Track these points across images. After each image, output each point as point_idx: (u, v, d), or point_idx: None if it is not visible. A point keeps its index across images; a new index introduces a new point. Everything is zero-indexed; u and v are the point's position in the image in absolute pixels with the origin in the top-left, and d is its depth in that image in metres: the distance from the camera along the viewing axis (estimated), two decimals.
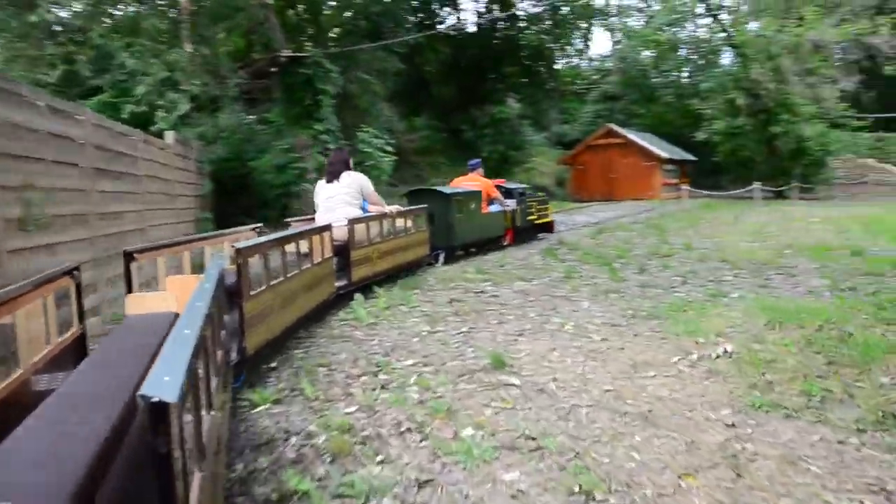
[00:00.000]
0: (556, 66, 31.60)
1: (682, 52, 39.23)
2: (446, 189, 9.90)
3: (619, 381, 3.84)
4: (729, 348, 4.24)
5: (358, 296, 6.29)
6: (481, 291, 6.96)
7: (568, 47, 33.13)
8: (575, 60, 38.24)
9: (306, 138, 14.24)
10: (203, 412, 1.71)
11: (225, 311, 3.24)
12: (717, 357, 4.17)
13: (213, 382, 2.09)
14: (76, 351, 2.97)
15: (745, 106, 24.83)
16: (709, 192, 25.64)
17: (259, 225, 6.07)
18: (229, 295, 3.60)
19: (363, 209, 7.18)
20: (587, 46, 36.65)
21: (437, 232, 8.94)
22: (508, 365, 4.16)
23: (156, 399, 1.17)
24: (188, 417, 1.44)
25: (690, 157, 30.93)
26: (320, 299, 5.38)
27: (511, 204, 11.42)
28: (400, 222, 7.63)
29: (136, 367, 2.14)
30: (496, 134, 25.96)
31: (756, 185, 23.56)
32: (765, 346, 4.29)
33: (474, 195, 10.02)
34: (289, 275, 4.55)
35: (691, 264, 9.03)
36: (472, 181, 10.77)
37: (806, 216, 17.21)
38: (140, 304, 3.31)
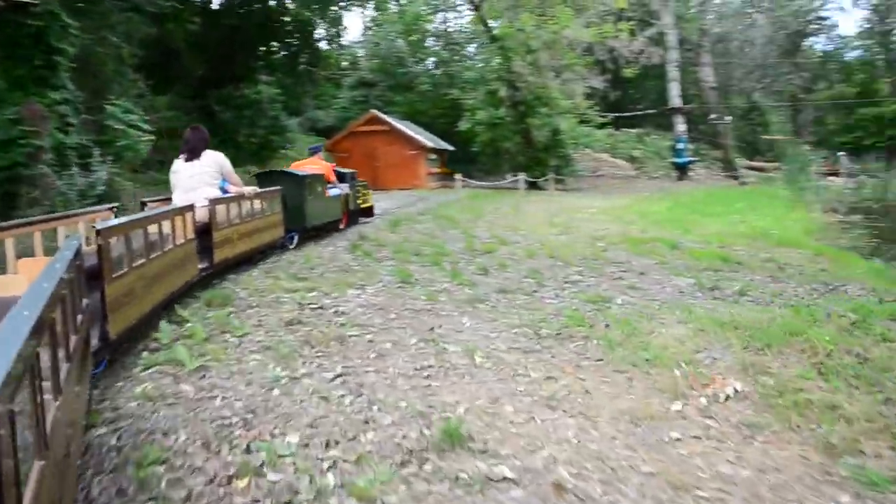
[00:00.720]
0: (318, 46, 29.82)
1: (437, 42, 39.72)
2: (299, 171, 9.84)
3: (646, 455, 2.65)
4: (738, 387, 3.22)
5: (163, 325, 4.44)
6: (319, 307, 5.40)
7: (329, 28, 31.54)
8: (332, 45, 36.63)
9: (40, 108, 10.99)
10: (47, 400, 1.69)
11: (84, 295, 3.17)
12: (728, 399, 3.13)
13: (64, 368, 2.02)
14: None
15: (506, 97, 25.37)
16: (480, 183, 25.86)
17: (115, 205, 5.97)
18: (89, 277, 3.46)
19: (222, 189, 6.95)
20: (340, 31, 35.30)
21: (290, 214, 8.85)
22: (467, 437, 2.74)
23: None
24: (20, 405, 1.37)
25: (448, 146, 31.13)
26: (184, 281, 5.25)
27: (345, 188, 11.59)
28: (257, 204, 7.53)
29: None
30: (255, 116, 23.66)
31: (521, 175, 24.15)
32: (779, 381, 3.35)
33: (321, 178, 10.21)
34: (151, 256, 4.33)
35: (525, 262, 8.24)
36: (313, 164, 10.75)
37: (580, 207, 17.65)
38: None
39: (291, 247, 8.85)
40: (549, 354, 4.10)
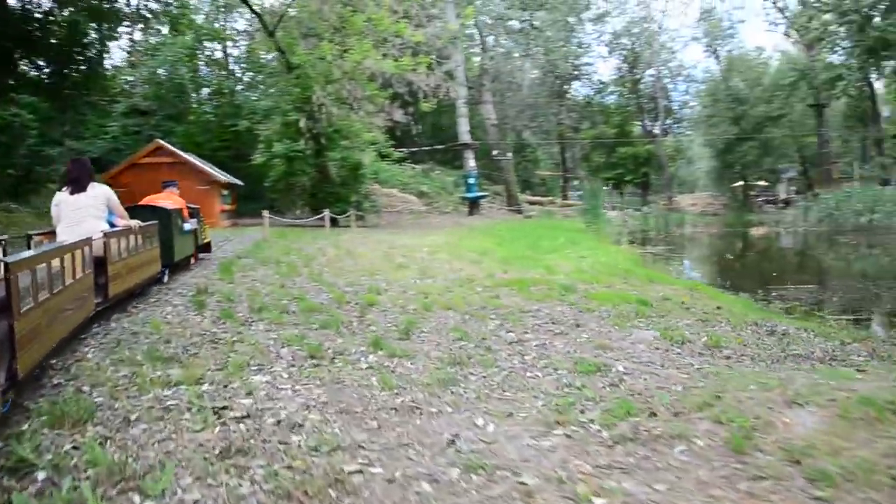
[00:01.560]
0: (89, 67, 25.68)
1: (216, 71, 36.84)
2: (168, 206, 9.55)
3: None
4: None
5: None
6: (245, 415, 3.65)
7: (101, 48, 27.47)
8: (103, 68, 32.11)
9: None
10: None
11: None
12: None
13: None
14: None
15: (305, 128, 23.69)
16: (285, 220, 23.66)
17: (4, 237, 5.90)
18: None
19: (109, 223, 6.78)
20: (103, 53, 30.99)
21: (163, 249, 8.67)
22: None
23: None
24: None
25: (237, 181, 28.53)
26: (83, 317, 5.18)
27: (195, 223, 11.40)
28: (141, 239, 7.38)
29: None
30: (11, 142, 19.56)
31: (326, 212, 22.50)
32: None
33: (180, 213, 9.99)
34: (55, 290, 4.25)
35: (429, 317, 6.95)
36: (168, 198, 10.25)
37: (408, 245, 16.53)
38: None
39: (165, 281, 8.81)
40: (674, 476, 2.80)
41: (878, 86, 47.03)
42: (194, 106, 34.10)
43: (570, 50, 52.49)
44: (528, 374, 4.62)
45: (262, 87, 34.21)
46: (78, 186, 6.43)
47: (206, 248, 13.01)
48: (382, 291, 8.80)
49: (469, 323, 6.52)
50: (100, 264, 5.86)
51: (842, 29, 39.20)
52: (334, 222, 24.08)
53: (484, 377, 4.49)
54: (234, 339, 5.62)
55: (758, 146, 47.54)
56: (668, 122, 58.82)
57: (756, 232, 34.68)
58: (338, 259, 13.33)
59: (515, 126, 52.68)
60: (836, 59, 44.69)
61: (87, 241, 5.43)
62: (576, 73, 56.11)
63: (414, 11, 26.12)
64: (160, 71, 32.84)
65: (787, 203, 46.28)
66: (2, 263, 3.54)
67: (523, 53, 50.33)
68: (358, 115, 25.14)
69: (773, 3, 51.92)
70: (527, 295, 8.47)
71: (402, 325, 6.28)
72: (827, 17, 40.80)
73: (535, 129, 57.17)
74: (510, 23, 49.18)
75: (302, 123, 23.45)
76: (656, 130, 56.59)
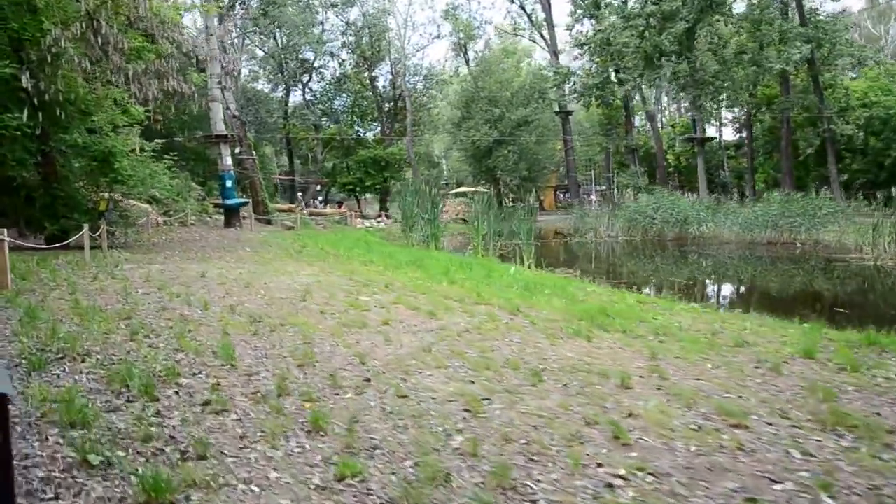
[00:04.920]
0: None
1: None
2: None
3: None
4: None
5: None
6: None
7: None
8: None
9: None
10: None
11: None
12: None
13: None
14: None
15: (33, 91, 15.19)
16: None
17: None
18: None
19: None
20: None
21: None
22: None
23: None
24: None
25: None
26: None
27: None
28: None
29: None
30: None
31: (87, 230, 14.33)
32: None
33: None
34: None
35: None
36: None
37: (287, 272, 10.09)
38: None
39: None
40: None
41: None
42: None
43: (312, 36, 46.93)
44: None
45: None
46: None
47: None
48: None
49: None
50: None
51: (625, 34, 39.29)
52: (56, 243, 15.84)
53: None
54: None
55: (517, 151, 46.59)
56: (407, 122, 55.99)
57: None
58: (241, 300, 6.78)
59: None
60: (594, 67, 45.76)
61: None
62: (313, 65, 50.77)
63: None
64: None
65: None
66: None
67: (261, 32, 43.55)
68: (109, 78, 17.16)
69: (521, 5, 52.02)
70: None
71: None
72: (610, 20, 40.95)
73: (258, 126, 50.58)
74: None
75: (24, 81, 14.89)
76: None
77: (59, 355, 5.67)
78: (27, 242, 15.51)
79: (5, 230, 9.39)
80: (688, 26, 37.63)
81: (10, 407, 1.19)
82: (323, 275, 12.13)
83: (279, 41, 50.98)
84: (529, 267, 18.03)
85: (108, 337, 6.48)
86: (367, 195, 55.23)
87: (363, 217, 44.36)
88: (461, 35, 52.16)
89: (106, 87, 17.85)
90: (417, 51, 55.93)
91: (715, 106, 46.26)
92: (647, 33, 38.94)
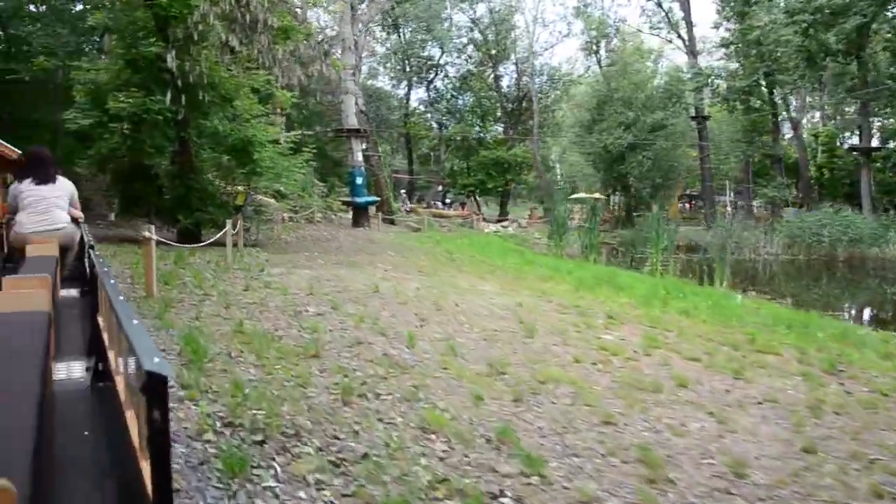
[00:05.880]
0: None
1: None
2: None
3: None
4: None
5: None
6: None
7: None
8: None
9: None
10: None
11: None
12: None
13: None
14: None
15: (178, 72, 13.77)
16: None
17: None
18: None
19: None
20: None
21: None
22: None
23: (159, 373, 1.26)
24: None
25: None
26: None
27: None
28: None
29: (24, 363, 2.11)
30: None
31: (230, 226, 12.75)
32: None
33: None
34: None
35: None
36: None
37: (468, 289, 7.87)
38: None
39: None
40: None
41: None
42: None
43: (441, 31, 45.30)
44: None
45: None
46: (45, 177, 6.31)
47: None
48: None
49: None
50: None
51: (786, 31, 35.43)
52: (188, 237, 14.33)
53: None
54: None
55: (652, 157, 43.25)
56: (531, 124, 53.40)
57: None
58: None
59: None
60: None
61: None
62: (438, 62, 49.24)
63: None
64: None
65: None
66: None
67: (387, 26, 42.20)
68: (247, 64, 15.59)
69: (658, 2, 48.61)
70: None
71: None
72: (767, 17, 37.19)
73: (378, 123, 49.25)
74: None
75: (170, 61, 13.38)
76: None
77: (258, 438, 3.58)
78: (159, 236, 14.01)
79: (153, 227, 7.61)
80: (862, 21, 33.46)
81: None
82: (513, 294, 9.89)
83: (402, 37, 49.64)
84: (732, 291, 15.15)
85: (307, 395, 4.41)
86: (484, 197, 53.07)
87: (492, 221, 42.12)
88: (593, 33, 49.25)
89: (248, 72, 16.32)
90: (546, 49, 53.10)
91: (888, 112, 41.39)
92: (811, 30, 34.90)
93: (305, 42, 16.24)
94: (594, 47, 50.29)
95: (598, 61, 50.80)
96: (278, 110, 20.56)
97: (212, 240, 12.91)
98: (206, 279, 9.56)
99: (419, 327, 7.02)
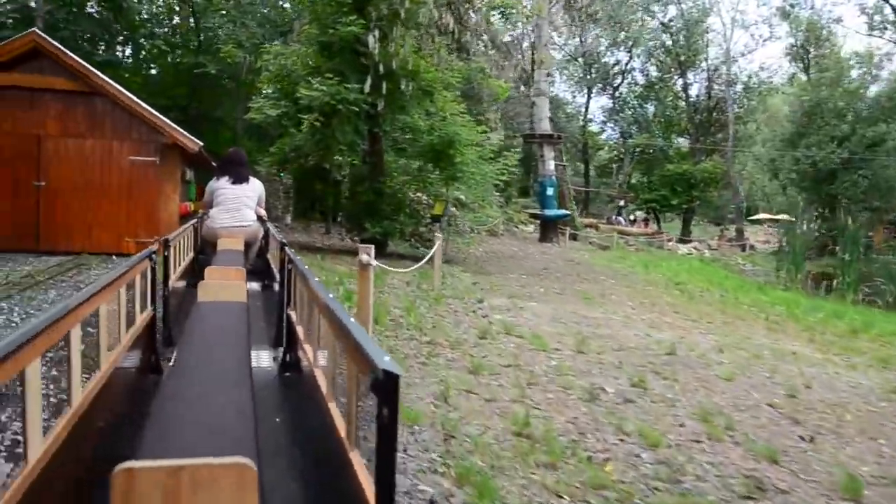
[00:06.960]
0: None
1: None
2: None
3: None
4: None
5: None
6: None
7: None
8: None
9: None
10: None
11: None
12: None
13: None
14: (150, 330, 3.16)
15: (379, 56, 11.92)
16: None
17: None
18: None
19: None
20: None
21: None
22: None
23: (393, 371, 1.25)
24: None
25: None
26: None
27: None
28: None
29: (236, 348, 2.31)
30: None
31: (439, 239, 10.67)
32: None
33: None
34: None
35: None
36: None
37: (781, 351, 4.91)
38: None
39: None
40: None
41: None
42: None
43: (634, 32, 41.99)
44: None
45: None
46: (241, 177, 6.58)
47: None
48: None
49: None
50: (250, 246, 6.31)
51: None
52: (378, 248, 12.19)
53: None
54: None
55: (869, 176, 37.54)
56: (720, 137, 48.62)
57: None
58: None
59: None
60: None
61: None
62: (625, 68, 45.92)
63: None
64: None
65: None
66: None
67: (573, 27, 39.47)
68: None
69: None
70: None
71: None
72: None
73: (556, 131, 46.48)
74: None
75: (371, 43, 11.40)
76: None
77: None
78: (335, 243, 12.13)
79: (372, 247, 5.37)
80: None
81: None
82: (836, 361, 6.87)
83: (584, 41, 46.68)
84: None
85: None
86: (667, 215, 48.86)
87: (681, 241, 38.07)
88: (802, 36, 43.92)
89: (449, 62, 14.21)
90: (744, 54, 48.18)
91: None
92: None
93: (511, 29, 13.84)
94: (803, 52, 44.88)
95: (806, 67, 45.30)
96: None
97: (423, 261, 10.76)
98: (422, 315, 7.27)
99: (785, 430, 4.25)
